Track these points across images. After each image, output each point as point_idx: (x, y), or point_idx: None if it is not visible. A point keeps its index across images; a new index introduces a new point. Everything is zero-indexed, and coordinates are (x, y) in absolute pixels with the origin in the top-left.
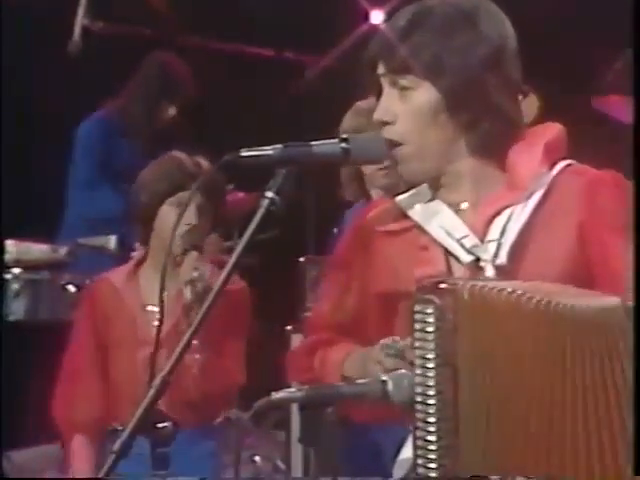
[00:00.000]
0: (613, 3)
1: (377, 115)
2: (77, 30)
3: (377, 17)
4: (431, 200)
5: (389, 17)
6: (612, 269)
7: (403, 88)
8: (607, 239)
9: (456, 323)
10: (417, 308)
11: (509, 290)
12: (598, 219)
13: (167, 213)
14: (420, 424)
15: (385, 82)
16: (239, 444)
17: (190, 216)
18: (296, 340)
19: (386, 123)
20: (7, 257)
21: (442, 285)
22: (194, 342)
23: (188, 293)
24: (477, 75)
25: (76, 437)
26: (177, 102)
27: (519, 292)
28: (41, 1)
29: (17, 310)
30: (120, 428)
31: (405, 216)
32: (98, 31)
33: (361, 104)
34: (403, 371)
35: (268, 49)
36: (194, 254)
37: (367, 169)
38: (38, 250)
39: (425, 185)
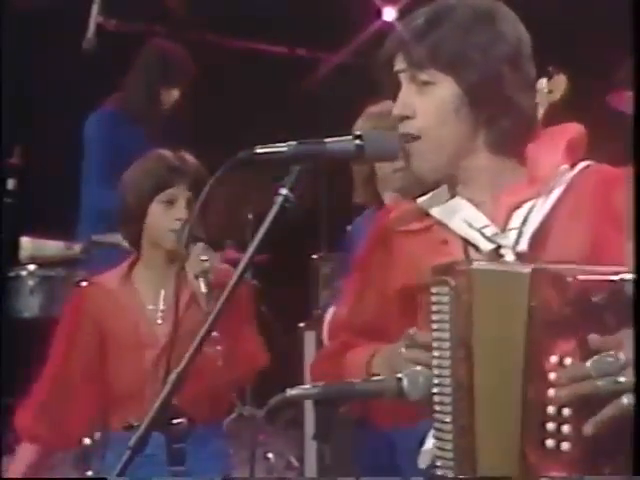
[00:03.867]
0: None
1: (396, 110)
2: (91, 27)
3: (390, 14)
4: (451, 198)
5: (402, 14)
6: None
7: (423, 83)
8: (617, 241)
9: (470, 303)
10: (434, 290)
11: (523, 270)
12: (610, 219)
13: (157, 211)
14: (438, 407)
15: (404, 78)
16: (253, 441)
17: (181, 211)
18: (309, 337)
19: (406, 117)
20: (22, 254)
21: (457, 267)
22: (213, 334)
23: (202, 285)
24: (498, 72)
25: (26, 445)
26: (178, 85)
27: (533, 272)
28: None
29: (32, 307)
30: (136, 424)
31: (426, 216)
32: (112, 29)
33: (372, 109)
34: (419, 368)
35: (281, 46)
36: (200, 245)
37: (381, 172)
38: (53, 247)
39: (445, 187)
